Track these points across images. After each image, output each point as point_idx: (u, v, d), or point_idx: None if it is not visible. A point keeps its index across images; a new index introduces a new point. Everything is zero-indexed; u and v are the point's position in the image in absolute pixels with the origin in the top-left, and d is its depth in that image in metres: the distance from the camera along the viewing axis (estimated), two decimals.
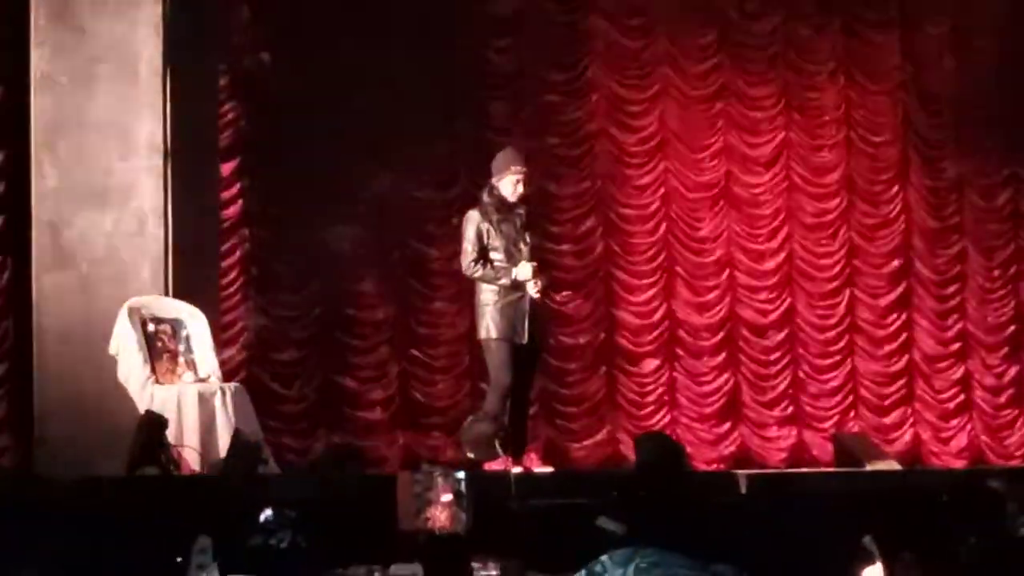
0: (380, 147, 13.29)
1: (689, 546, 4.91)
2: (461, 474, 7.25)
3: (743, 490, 9.20)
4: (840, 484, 10.39)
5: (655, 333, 14.18)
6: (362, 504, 7.82)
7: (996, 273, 14.64)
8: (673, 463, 7.06)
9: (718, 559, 5.26)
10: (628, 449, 13.40)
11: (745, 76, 14.38)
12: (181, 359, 10.86)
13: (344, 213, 13.36)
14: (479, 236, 10.25)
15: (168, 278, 11.40)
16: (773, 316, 14.36)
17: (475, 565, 6.70)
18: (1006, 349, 14.56)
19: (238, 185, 13.29)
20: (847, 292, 14.47)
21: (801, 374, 14.34)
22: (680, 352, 14.23)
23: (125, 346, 10.69)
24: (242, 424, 10.39)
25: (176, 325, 10.95)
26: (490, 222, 10.26)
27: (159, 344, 10.82)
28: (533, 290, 10.21)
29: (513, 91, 13.89)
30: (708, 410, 14.16)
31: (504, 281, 10.19)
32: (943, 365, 14.53)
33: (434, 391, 13.69)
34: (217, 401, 10.51)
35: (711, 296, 14.30)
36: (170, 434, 9.98)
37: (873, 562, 6.33)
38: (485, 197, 10.34)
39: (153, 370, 10.65)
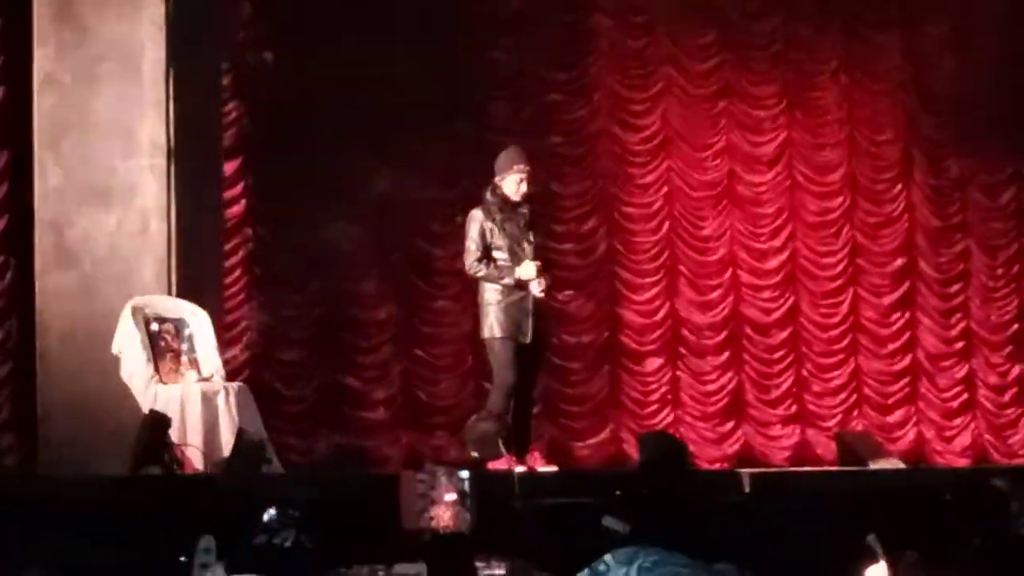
0: (383, 146, 13.29)
1: (692, 545, 4.90)
2: (465, 473, 7.25)
3: (747, 489, 9.21)
4: (844, 483, 10.41)
5: (658, 332, 14.18)
6: (366, 504, 7.82)
7: (1000, 271, 14.64)
8: (676, 462, 7.06)
9: (721, 558, 5.25)
10: (631, 448, 13.40)
11: (747, 75, 14.38)
12: (184, 358, 10.86)
13: (347, 212, 13.37)
14: (482, 235, 10.26)
15: (171, 277, 11.41)
16: (776, 315, 14.36)
17: (479, 564, 6.69)
18: (1010, 348, 14.56)
19: (241, 184, 13.30)
20: (850, 291, 14.47)
21: (804, 373, 14.34)
22: (683, 351, 14.23)
23: (128, 345, 10.69)
24: (246, 423, 10.40)
25: (179, 324, 10.95)
26: (493, 221, 10.27)
27: (162, 343, 10.82)
28: (537, 289, 10.22)
29: (515, 90, 13.89)
30: (711, 409, 14.17)
31: (508, 280, 10.20)
32: (947, 364, 14.53)
33: (437, 390, 13.69)
34: (220, 400, 10.51)
35: (714, 295, 14.30)
36: (173, 433, 9.98)
37: (877, 561, 6.32)
38: (488, 196, 10.35)
39: (156, 369, 10.65)
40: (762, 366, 14.29)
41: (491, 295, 10.28)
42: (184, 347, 10.90)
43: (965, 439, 14.39)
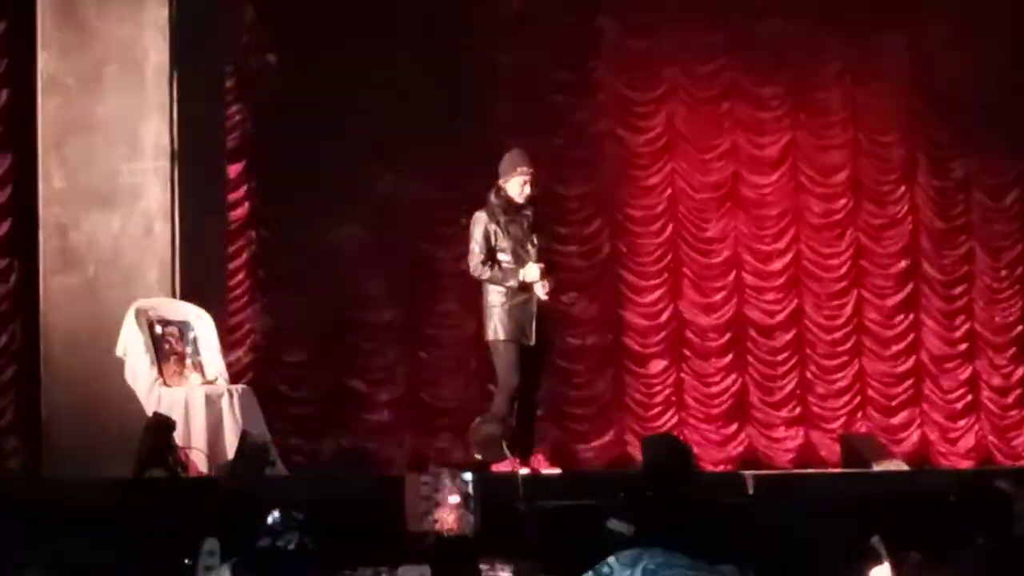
0: (386, 148, 13.30)
1: (696, 547, 4.90)
2: (469, 476, 7.24)
3: (750, 491, 9.20)
4: (847, 485, 10.39)
5: (662, 334, 14.18)
6: (370, 506, 7.82)
7: (1003, 273, 14.63)
8: (680, 464, 7.06)
9: (725, 560, 5.26)
10: (635, 450, 13.40)
11: (752, 76, 14.37)
12: (188, 361, 10.86)
13: (351, 214, 13.38)
14: (486, 237, 10.25)
15: (175, 280, 11.42)
16: (780, 317, 14.36)
17: (483, 567, 6.69)
18: (1014, 349, 14.55)
19: (245, 187, 13.31)
20: (854, 293, 14.46)
21: (808, 375, 14.33)
22: (687, 353, 14.23)
23: (132, 348, 10.70)
24: (249, 426, 10.40)
25: (183, 327, 10.96)
26: (497, 223, 10.27)
27: (166, 346, 10.82)
28: (541, 291, 10.21)
29: (519, 92, 13.88)
30: (715, 411, 14.16)
31: (512, 283, 10.20)
32: (950, 365, 14.52)
33: (441, 393, 13.69)
34: (224, 403, 10.52)
35: (718, 297, 14.29)
36: (177, 436, 9.98)
37: (881, 562, 6.33)
38: (492, 198, 10.35)
39: (160, 372, 10.66)
40: (766, 368, 14.28)
41: (495, 297, 10.27)
42: (188, 350, 10.91)
43: (969, 441, 14.39)
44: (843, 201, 14.48)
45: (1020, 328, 14.59)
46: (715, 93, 14.33)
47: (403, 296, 13.67)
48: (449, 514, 7.07)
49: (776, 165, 14.41)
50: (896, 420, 14.36)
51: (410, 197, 13.48)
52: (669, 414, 14.06)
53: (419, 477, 7.24)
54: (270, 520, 5.91)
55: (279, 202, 13.35)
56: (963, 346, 14.55)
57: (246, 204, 13.32)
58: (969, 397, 14.48)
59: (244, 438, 10.03)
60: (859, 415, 14.30)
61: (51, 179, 11.54)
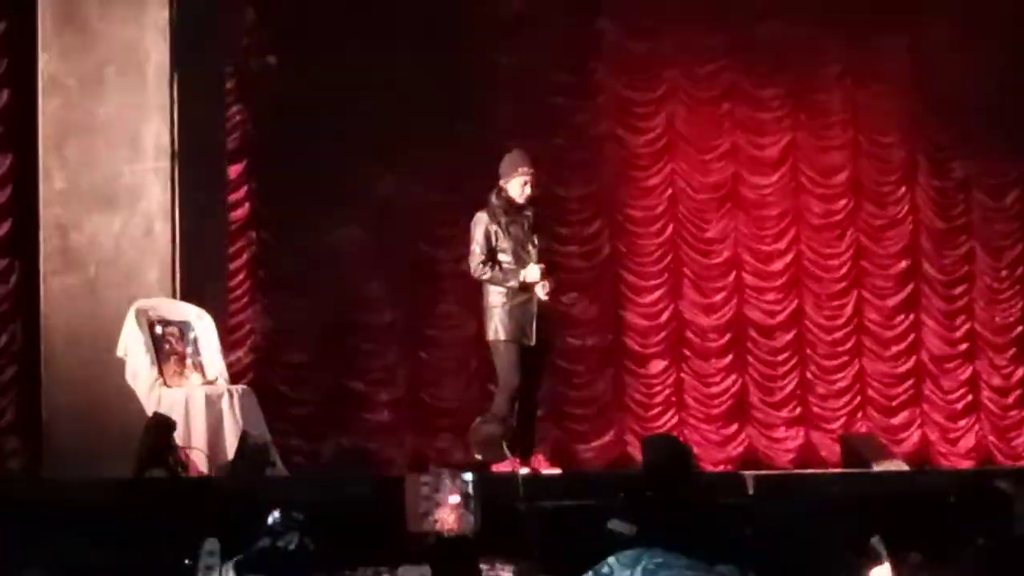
0: (386, 149, 13.31)
1: (696, 547, 4.91)
2: (469, 476, 7.24)
3: (750, 491, 9.20)
4: (848, 485, 10.38)
5: (662, 334, 14.18)
6: (370, 506, 7.82)
7: (1004, 273, 14.63)
8: (680, 464, 7.07)
9: (725, 560, 5.26)
10: (636, 450, 13.40)
11: (752, 78, 14.37)
12: (189, 361, 10.86)
13: (351, 215, 13.39)
14: (487, 238, 10.26)
15: (176, 280, 11.42)
16: (780, 317, 14.36)
17: (483, 567, 6.70)
18: (1014, 350, 14.55)
19: (245, 187, 13.32)
20: (854, 293, 14.46)
21: (809, 375, 14.34)
22: (687, 353, 14.23)
23: (133, 348, 10.70)
24: (250, 426, 10.40)
25: (184, 327, 10.96)
26: (498, 224, 10.27)
27: (167, 346, 10.82)
28: (541, 292, 10.22)
29: (519, 93, 13.88)
30: (715, 411, 14.17)
31: (512, 283, 10.20)
32: (951, 366, 14.52)
33: (442, 393, 13.69)
34: (224, 403, 10.52)
35: (718, 297, 14.30)
36: (178, 436, 9.98)
37: (881, 562, 6.33)
38: (493, 199, 10.35)
39: (161, 372, 10.66)
40: (766, 368, 14.28)
41: (496, 298, 10.28)
42: (188, 350, 10.91)
43: (969, 441, 14.39)
44: (843, 202, 14.49)
45: (1020, 328, 14.59)
46: (715, 94, 14.33)
47: (403, 297, 13.68)
48: (449, 514, 7.07)
49: (776, 166, 14.41)
50: (896, 420, 14.36)
51: (410, 198, 13.49)
52: (669, 414, 14.07)
53: (419, 477, 7.23)
54: (270, 520, 5.92)
55: (279, 203, 13.36)
56: (963, 346, 14.55)
57: (246, 205, 13.33)
58: (969, 397, 14.48)
59: (244, 438, 10.03)
60: (859, 415, 14.31)
61: (52, 180, 11.55)
